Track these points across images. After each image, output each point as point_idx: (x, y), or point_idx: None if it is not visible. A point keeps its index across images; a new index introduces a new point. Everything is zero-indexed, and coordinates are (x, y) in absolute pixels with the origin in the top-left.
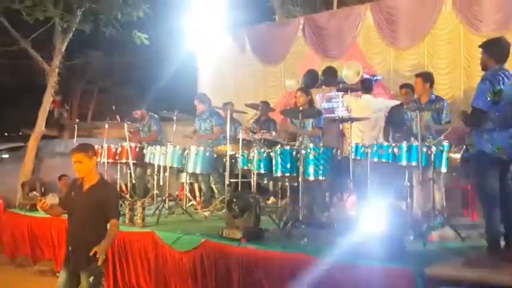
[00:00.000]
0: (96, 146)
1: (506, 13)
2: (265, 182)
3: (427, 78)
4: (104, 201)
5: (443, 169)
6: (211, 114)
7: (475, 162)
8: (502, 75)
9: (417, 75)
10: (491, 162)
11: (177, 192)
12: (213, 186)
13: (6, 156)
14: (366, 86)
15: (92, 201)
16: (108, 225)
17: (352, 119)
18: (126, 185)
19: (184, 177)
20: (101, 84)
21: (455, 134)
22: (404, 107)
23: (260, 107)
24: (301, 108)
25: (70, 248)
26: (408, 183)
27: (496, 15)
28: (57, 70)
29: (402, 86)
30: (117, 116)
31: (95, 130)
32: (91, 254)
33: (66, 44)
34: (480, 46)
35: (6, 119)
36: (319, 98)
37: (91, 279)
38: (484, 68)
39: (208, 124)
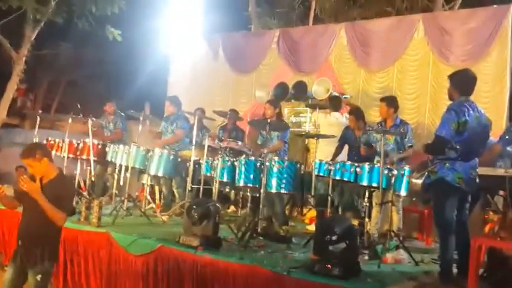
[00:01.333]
0: (57, 140)
1: (475, 45)
2: (227, 190)
3: (391, 103)
4: (60, 196)
5: (403, 192)
6: (177, 117)
7: (435, 189)
8: (468, 106)
9: (382, 100)
10: (451, 191)
11: (136, 193)
12: (175, 191)
13: None
14: (334, 103)
15: (49, 195)
16: None
17: (318, 136)
18: (84, 182)
19: (145, 179)
20: (69, 77)
21: (417, 160)
22: (372, 127)
23: (228, 115)
24: (269, 120)
25: (20, 243)
26: (367, 203)
27: (466, 46)
28: (24, 58)
29: (350, 112)
30: (80, 114)
31: (58, 122)
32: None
33: (36, 33)
34: (448, 77)
35: None
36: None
37: (38, 277)
38: (451, 98)
39: (174, 126)
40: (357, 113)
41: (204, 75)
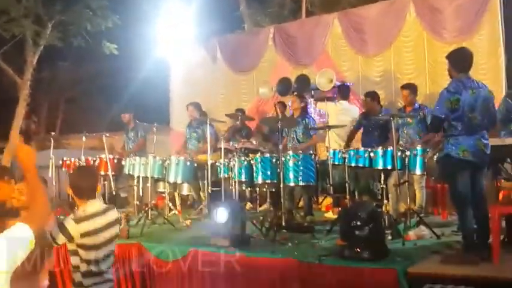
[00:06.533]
0: (73, 159)
1: (466, 20)
2: (243, 188)
3: (415, 90)
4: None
5: (418, 171)
6: (201, 123)
7: (443, 165)
8: (462, 83)
9: (405, 87)
10: (458, 165)
11: (153, 202)
12: (201, 194)
13: None
14: (342, 92)
15: None
16: None
17: (328, 127)
18: (104, 197)
19: (162, 187)
20: (68, 95)
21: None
22: (380, 115)
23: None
24: (280, 117)
25: None
26: (384, 186)
27: (457, 22)
28: (28, 83)
29: (366, 95)
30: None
31: (64, 141)
32: None
33: (37, 56)
34: (446, 57)
35: None
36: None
37: None
38: (451, 77)
39: (201, 133)
40: (372, 94)
41: (204, 79)
